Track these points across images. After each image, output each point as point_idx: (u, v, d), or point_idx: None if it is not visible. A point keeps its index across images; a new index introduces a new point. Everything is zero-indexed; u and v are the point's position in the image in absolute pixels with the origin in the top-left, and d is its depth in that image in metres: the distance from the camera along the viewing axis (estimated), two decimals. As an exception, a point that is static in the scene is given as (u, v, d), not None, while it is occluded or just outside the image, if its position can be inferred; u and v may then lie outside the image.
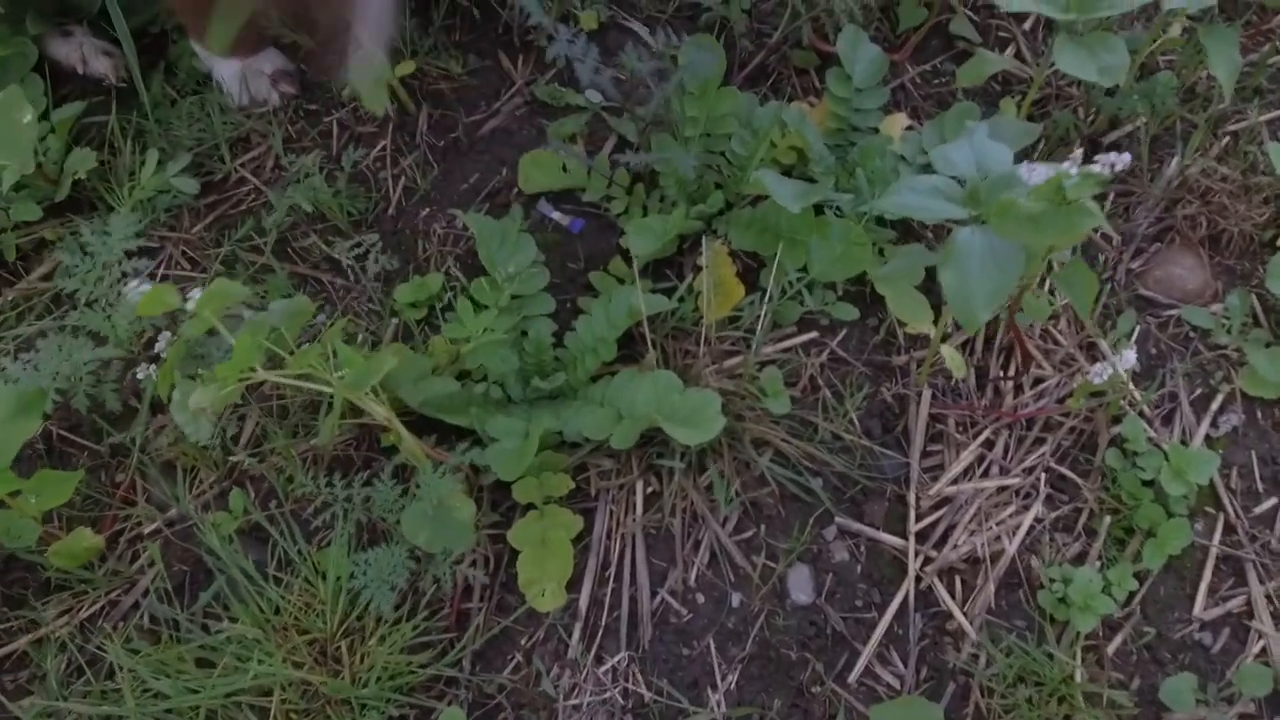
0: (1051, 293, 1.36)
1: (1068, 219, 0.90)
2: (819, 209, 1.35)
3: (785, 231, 1.34)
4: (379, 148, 1.53)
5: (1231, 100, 1.52)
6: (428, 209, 1.47)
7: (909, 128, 1.49)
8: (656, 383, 1.17)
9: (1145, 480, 1.19)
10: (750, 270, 1.37)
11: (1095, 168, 0.89)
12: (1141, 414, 1.27)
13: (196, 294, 1.05)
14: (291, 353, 1.05)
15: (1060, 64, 1.22)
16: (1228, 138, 1.51)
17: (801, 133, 1.39)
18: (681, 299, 1.33)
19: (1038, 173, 0.90)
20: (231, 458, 1.23)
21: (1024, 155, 1.49)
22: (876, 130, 1.46)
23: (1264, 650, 1.15)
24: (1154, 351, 1.34)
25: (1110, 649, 1.15)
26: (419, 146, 1.52)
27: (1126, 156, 0.88)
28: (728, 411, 1.20)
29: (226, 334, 1.08)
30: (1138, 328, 1.35)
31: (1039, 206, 0.91)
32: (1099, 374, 1.14)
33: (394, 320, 1.32)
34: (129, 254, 1.20)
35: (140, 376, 1.16)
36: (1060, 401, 1.28)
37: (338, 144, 1.53)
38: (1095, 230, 1.40)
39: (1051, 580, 1.15)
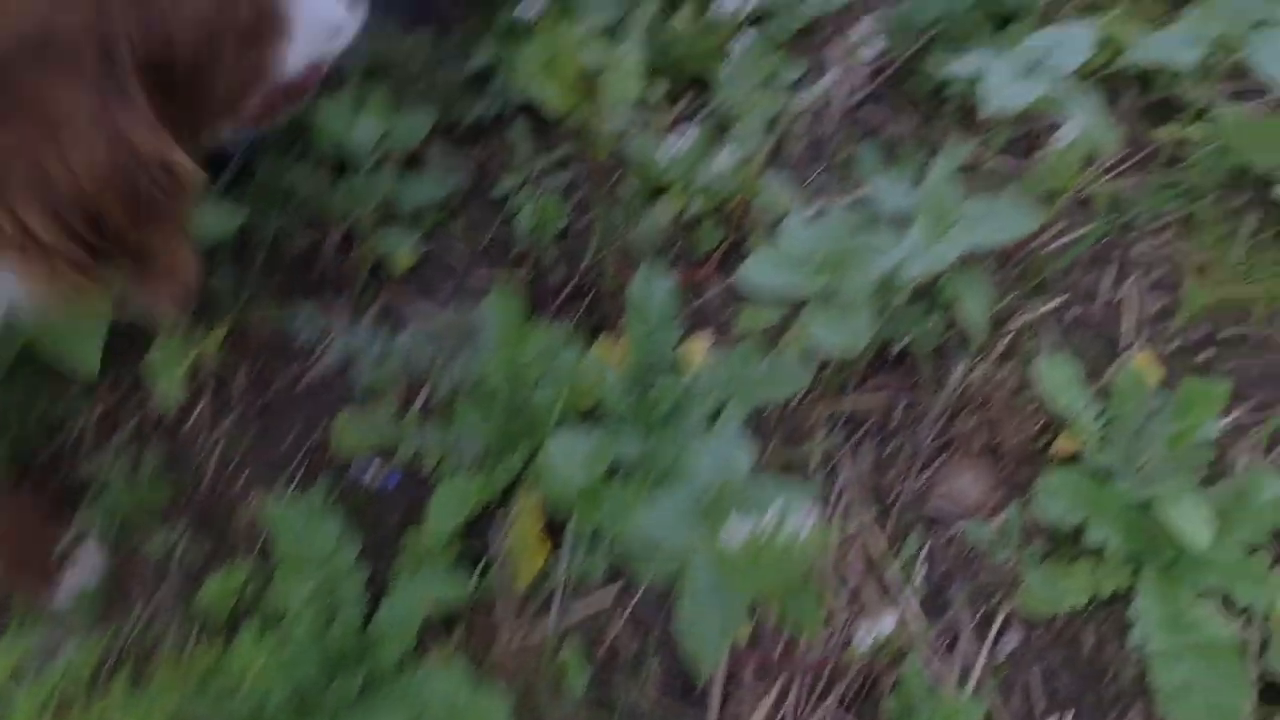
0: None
1: (770, 571, 0.96)
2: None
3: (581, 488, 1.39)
4: (198, 410, 1.56)
5: (1015, 295, 1.60)
6: (245, 473, 1.51)
7: (714, 344, 1.56)
8: (446, 682, 1.21)
9: (920, 730, 1.26)
10: (561, 523, 1.42)
11: (795, 519, 0.96)
12: (928, 645, 1.34)
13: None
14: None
15: (812, 330, 1.29)
16: (1011, 334, 1.59)
17: (599, 381, 1.45)
18: (488, 567, 1.37)
19: (739, 533, 0.96)
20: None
21: (814, 381, 1.56)
22: (673, 367, 1.52)
23: None
24: (942, 570, 1.41)
25: None
26: (235, 407, 1.56)
27: (814, 514, 0.94)
28: (526, 703, 1.24)
29: (13, 695, 1.11)
30: (926, 545, 1.42)
31: (744, 557, 0.97)
32: (862, 640, 1.21)
33: (197, 623, 1.35)
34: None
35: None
36: (847, 644, 1.34)
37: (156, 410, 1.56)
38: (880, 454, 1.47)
39: None
